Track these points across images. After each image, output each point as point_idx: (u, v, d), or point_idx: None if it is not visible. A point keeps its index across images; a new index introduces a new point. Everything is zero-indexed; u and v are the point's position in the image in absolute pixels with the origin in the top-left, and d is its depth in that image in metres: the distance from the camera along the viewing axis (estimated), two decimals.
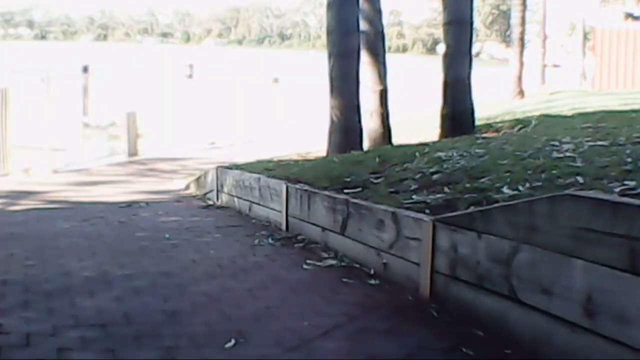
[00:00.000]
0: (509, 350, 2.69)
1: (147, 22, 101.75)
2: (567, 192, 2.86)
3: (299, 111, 19.76)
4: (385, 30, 10.06)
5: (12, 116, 12.05)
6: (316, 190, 5.07)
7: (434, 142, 7.48)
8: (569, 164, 4.32)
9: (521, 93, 19.84)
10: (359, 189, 4.91)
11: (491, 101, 15.74)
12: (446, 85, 9.16)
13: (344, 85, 8.74)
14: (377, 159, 6.06)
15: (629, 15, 21.69)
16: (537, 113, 10.40)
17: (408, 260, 3.60)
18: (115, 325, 3.06)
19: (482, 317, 2.94)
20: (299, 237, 5.09)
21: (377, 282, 3.80)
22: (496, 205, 3.22)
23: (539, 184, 3.85)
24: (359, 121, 8.90)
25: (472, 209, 3.49)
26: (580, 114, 9.06)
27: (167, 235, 5.37)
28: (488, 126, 9.76)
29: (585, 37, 26.20)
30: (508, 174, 4.33)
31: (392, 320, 3.16)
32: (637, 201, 2.33)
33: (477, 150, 5.75)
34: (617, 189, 3.27)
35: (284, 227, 5.51)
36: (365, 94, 9.35)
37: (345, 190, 4.91)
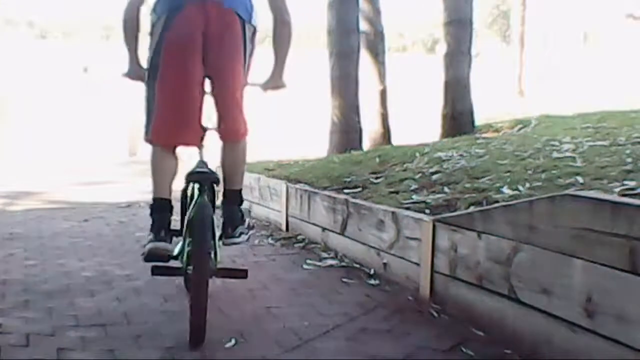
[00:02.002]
0: (509, 350, 2.68)
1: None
2: (567, 192, 2.86)
3: (298, 111, 19.74)
4: (385, 30, 10.05)
5: (12, 116, 12.06)
6: (316, 190, 5.07)
7: (434, 142, 7.48)
8: (569, 164, 4.32)
9: (521, 93, 19.86)
10: (359, 189, 4.91)
11: (491, 101, 15.71)
12: (446, 85, 9.16)
13: (344, 85, 8.76)
14: (377, 159, 6.06)
15: (629, 15, 21.70)
16: (537, 113, 10.38)
17: (408, 260, 3.60)
18: (115, 325, 3.06)
19: (482, 317, 2.94)
20: (299, 237, 5.08)
21: (377, 282, 3.80)
22: (496, 205, 3.22)
23: (539, 184, 3.85)
24: (359, 121, 8.92)
25: (472, 209, 3.49)
26: (581, 114, 9.04)
27: None
28: (488, 126, 9.74)
29: (585, 37, 26.20)
30: (508, 174, 4.33)
31: (392, 320, 3.16)
32: (637, 201, 2.33)
33: (477, 150, 5.75)
34: (617, 189, 3.27)
35: (284, 227, 5.51)
36: (365, 94, 9.35)
37: (345, 190, 4.91)
